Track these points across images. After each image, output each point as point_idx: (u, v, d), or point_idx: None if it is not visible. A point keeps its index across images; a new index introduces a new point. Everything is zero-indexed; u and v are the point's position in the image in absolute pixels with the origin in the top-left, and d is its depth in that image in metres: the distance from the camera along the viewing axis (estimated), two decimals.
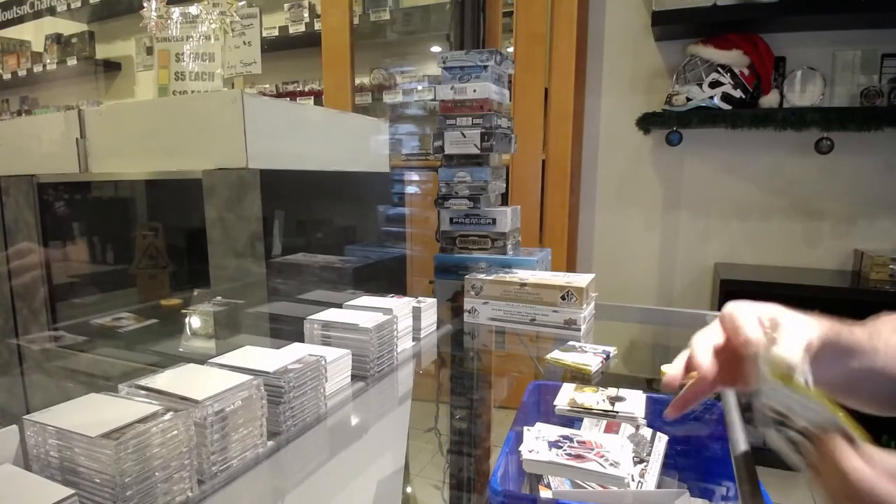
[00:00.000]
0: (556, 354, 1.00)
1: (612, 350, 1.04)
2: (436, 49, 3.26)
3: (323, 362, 0.77)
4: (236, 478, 0.62)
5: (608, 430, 0.85)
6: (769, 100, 2.32)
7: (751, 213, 2.51)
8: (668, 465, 0.84)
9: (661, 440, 0.84)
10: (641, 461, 0.79)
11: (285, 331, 1.12)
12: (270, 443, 0.68)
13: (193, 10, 1.41)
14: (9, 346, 1.52)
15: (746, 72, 2.32)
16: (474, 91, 1.37)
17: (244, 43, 1.52)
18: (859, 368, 0.57)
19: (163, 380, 0.66)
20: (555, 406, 0.82)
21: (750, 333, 0.53)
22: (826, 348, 0.55)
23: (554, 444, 0.73)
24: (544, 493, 0.83)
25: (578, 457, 0.70)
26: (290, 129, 1.29)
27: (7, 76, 4.36)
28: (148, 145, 1.29)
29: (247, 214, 1.17)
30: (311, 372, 0.75)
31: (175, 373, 0.69)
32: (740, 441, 0.55)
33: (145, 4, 1.39)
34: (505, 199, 1.61)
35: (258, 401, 0.65)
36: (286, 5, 3.25)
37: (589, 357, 0.99)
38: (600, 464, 0.67)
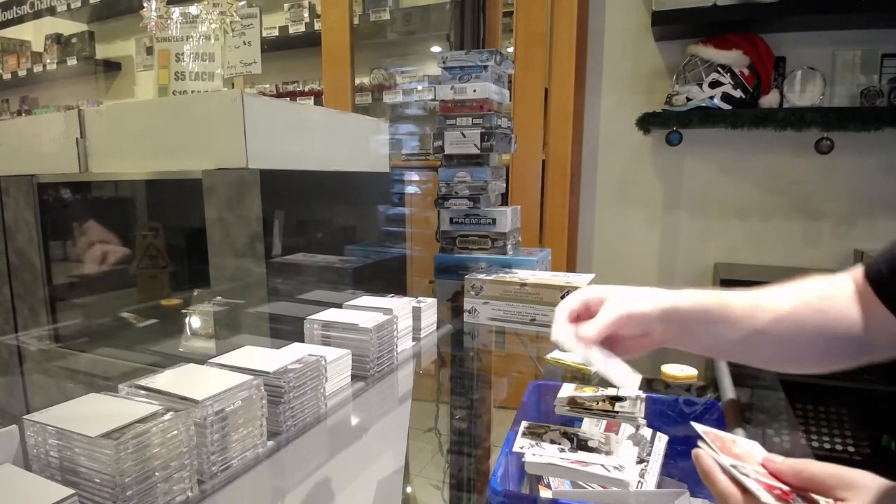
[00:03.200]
0: (556, 354, 1.00)
1: None
2: (436, 49, 3.26)
3: (323, 362, 0.77)
4: (236, 478, 0.62)
5: (608, 430, 0.85)
6: (769, 100, 2.32)
7: (751, 213, 2.51)
8: (668, 465, 0.84)
9: (661, 440, 0.84)
10: (641, 461, 0.79)
11: (285, 331, 1.12)
12: (270, 443, 0.68)
13: (193, 10, 1.41)
14: (9, 346, 1.52)
15: (746, 72, 2.32)
16: (474, 91, 1.37)
17: (244, 43, 1.52)
18: (742, 337, 0.62)
19: (163, 380, 0.66)
20: (555, 406, 0.82)
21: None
22: (687, 319, 0.64)
23: (555, 446, 0.72)
24: (544, 493, 0.83)
25: (581, 460, 0.69)
26: (290, 129, 1.29)
27: (7, 76, 4.36)
28: (148, 145, 1.29)
29: (247, 214, 1.17)
30: (311, 372, 0.75)
31: (175, 373, 0.69)
32: (736, 426, 0.55)
33: (145, 4, 1.39)
34: (505, 199, 1.61)
35: (258, 401, 0.65)
36: (286, 5, 3.25)
37: None
38: (604, 467, 0.67)
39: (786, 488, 0.46)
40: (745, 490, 0.45)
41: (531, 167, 2.52)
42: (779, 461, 0.49)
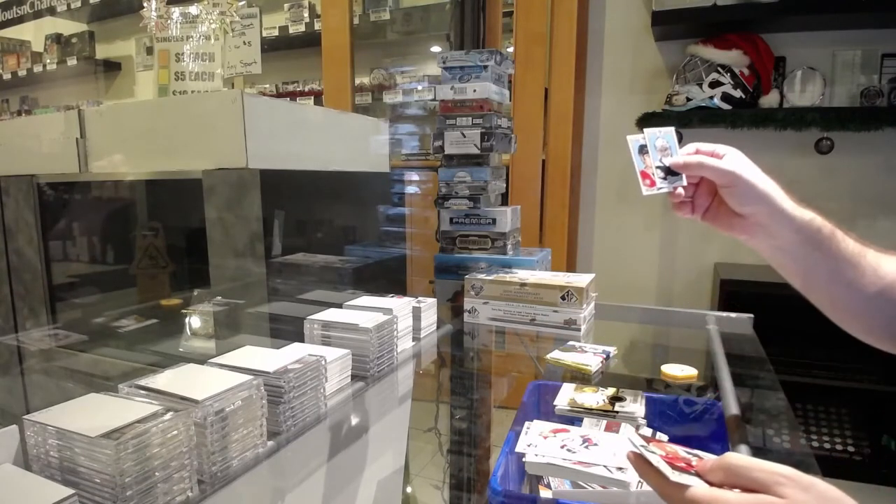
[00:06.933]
0: (556, 354, 1.00)
1: (612, 350, 1.04)
2: (436, 49, 3.26)
3: (323, 362, 0.77)
4: (236, 478, 0.62)
5: (608, 430, 0.85)
6: (769, 100, 2.32)
7: None
8: None
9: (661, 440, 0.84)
10: None
11: (285, 331, 1.11)
12: (270, 443, 0.68)
13: (193, 10, 1.41)
14: (9, 347, 1.52)
15: (746, 72, 2.31)
16: (474, 91, 1.37)
17: (244, 43, 1.52)
18: (841, 280, 0.59)
19: (163, 380, 0.66)
20: (555, 406, 0.82)
21: None
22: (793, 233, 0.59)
23: (557, 445, 0.72)
24: (544, 493, 0.83)
25: (582, 460, 0.69)
26: (290, 129, 1.29)
27: (7, 76, 4.36)
28: (148, 145, 1.29)
29: (247, 214, 1.17)
30: (311, 372, 0.75)
31: (175, 373, 0.69)
32: (740, 442, 0.55)
33: (145, 4, 1.39)
34: (505, 199, 1.60)
35: (258, 401, 0.65)
36: (286, 5, 3.25)
37: (589, 357, 0.99)
38: (606, 467, 0.67)
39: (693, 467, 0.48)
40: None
41: (531, 167, 2.52)
42: (705, 458, 0.48)
